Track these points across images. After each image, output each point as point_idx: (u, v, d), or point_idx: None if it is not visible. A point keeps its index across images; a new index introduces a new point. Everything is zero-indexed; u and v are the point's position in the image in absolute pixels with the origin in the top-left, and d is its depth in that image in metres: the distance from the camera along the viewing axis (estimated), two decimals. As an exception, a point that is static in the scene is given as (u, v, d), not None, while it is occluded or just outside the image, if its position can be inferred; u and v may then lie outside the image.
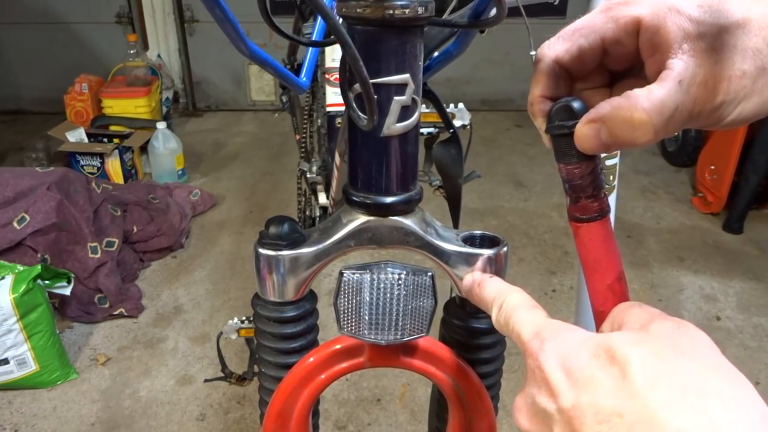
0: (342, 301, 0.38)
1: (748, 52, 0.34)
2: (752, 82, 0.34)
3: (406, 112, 0.38)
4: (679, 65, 0.34)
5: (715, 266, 2.42)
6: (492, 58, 4.08)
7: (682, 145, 3.30)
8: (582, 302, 1.11)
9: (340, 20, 0.47)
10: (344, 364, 0.41)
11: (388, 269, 0.38)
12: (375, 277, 0.38)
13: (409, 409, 1.73)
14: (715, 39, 0.33)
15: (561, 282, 2.29)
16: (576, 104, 0.38)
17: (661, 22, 0.34)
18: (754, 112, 0.35)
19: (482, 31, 0.45)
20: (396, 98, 0.37)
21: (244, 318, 1.21)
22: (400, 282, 0.38)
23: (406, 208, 0.40)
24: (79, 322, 2.02)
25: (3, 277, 1.65)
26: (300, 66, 1.37)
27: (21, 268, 1.70)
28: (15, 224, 1.90)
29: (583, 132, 0.36)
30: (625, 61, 0.39)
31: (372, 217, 0.40)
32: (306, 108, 1.69)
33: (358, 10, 0.35)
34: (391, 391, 1.78)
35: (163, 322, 2.05)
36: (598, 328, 0.40)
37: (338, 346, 0.41)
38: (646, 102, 0.33)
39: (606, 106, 0.35)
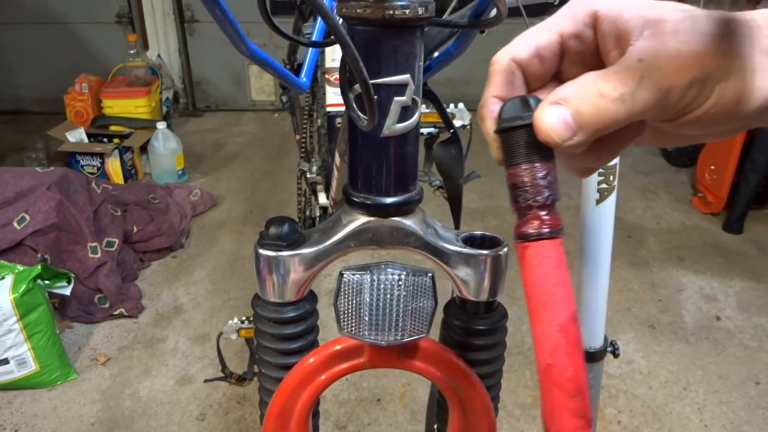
0: (342, 301, 0.38)
1: (717, 36, 0.32)
2: (728, 62, 0.32)
3: (406, 112, 0.38)
4: (639, 45, 0.32)
5: (715, 266, 2.42)
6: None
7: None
8: (582, 303, 1.11)
9: (340, 20, 0.47)
10: (344, 365, 0.41)
11: (388, 270, 0.38)
12: (375, 277, 0.38)
13: (409, 409, 1.72)
14: (677, 22, 0.32)
15: (561, 282, 2.29)
16: (532, 99, 0.34)
17: (618, 11, 0.33)
18: (736, 98, 0.32)
19: (482, 32, 0.45)
20: (396, 98, 0.37)
21: (244, 318, 1.21)
22: (400, 283, 0.38)
23: (406, 208, 0.40)
24: (79, 322, 2.02)
25: (3, 277, 1.65)
26: (300, 66, 1.37)
27: (21, 268, 1.70)
28: (15, 224, 1.90)
29: (546, 115, 0.32)
30: (585, 65, 0.36)
31: (372, 218, 0.40)
32: (306, 108, 1.69)
33: (358, 11, 0.35)
34: (391, 391, 1.78)
35: (163, 322, 2.05)
36: (543, 404, 0.33)
37: (338, 347, 0.40)
38: (610, 72, 0.32)
39: (566, 87, 0.33)
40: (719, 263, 2.44)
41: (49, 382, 1.74)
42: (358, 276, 0.38)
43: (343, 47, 0.33)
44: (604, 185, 1.06)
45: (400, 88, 0.37)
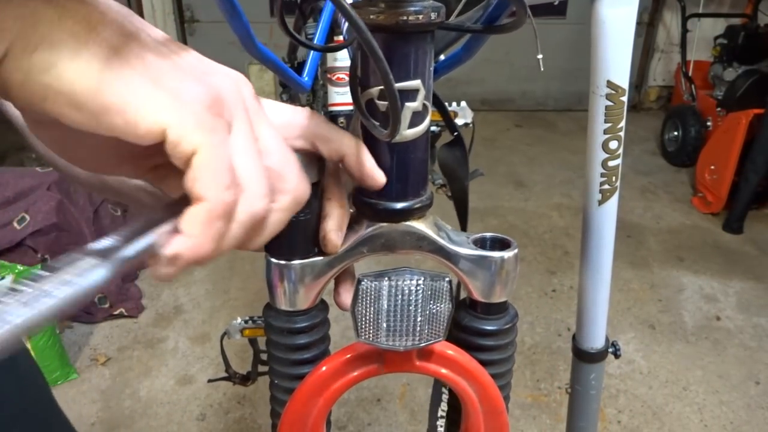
0: (360, 308, 0.38)
1: None
2: None
3: (417, 117, 0.38)
4: None
5: (715, 266, 2.43)
6: (492, 58, 4.08)
7: (682, 145, 3.31)
8: (583, 303, 1.10)
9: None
10: (359, 371, 0.41)
11: (406, 275, 0.38)
12: (393, 283, 0.38)
13: (409, 409, 1.73)
14: None
15: (561, 282, 2.30)
16: None
17: None
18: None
19: (486, 33, 0.44)
20: (407, 104, 0.37)
21: (247, 318, 1.21)
22: (418, 288, 0.38)
23: (418, 213, 0.40)
24: (79, 322, 2.02)
25: (3, 277, 1.64)
26: (300, 64, 1.37)
27: (21, 268, 1.69)
28: (15, 224, 1.90)
29: None
30: None
31: (384, 223, 0.40)
32: (306, 107, 1.68)
33: (372, 17, 0.34)
34: (391, 391, 1.78)
35: (163, 322, 2.05)
36: None
37: (353, 354, 0.40)
38: None
39: None
40: (719, 263, 2.45)
41: (49, 382, 1.74)
42: (376, 283, 0.38)
43: (376, 61, 0.32)
44: (606, 186, 1.06)
45: (412, 94, 0.37)
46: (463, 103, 1.47)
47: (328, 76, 1.43)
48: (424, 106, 0.38)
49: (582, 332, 1.14)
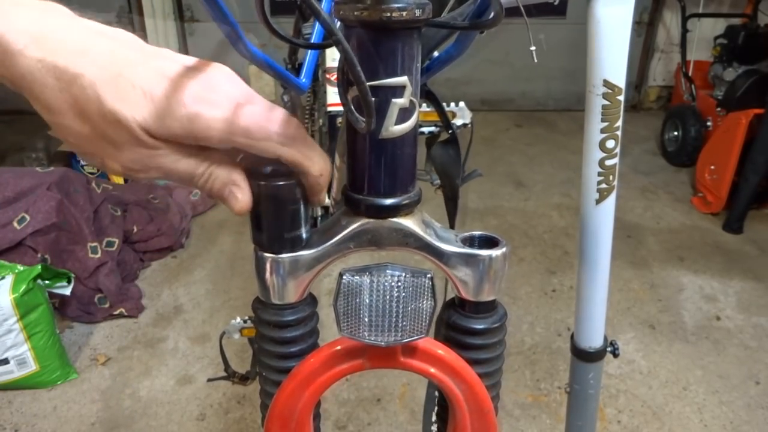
0: (341, 303, 0.38)
1: None
2: None
3: (404, 114, 0.38)
4: None
5: (715, 266, 2.42)
6: (492, 58, 4.08)
7: (682, 145, 3.31)
8: (582, 303, 1.10)
9: (338, 23, 0.46)
10: (344, 366, 0.41)
11: (388, 271, 0.38)
12: (374, 279, 0.38)
13: (409, 409, 1.72)
14: None
15: (561, 282, 2.29)
16: None
17: None
18: None
19: (481, 32, 0.45)
20: (394, 100, 0.37)
21: (246, 317, 1.21)
22: (399, 284, 0.38)
23: (405, 209, 0.40)
24: (79, 322, 2.02)
25: (3, 277, 1.65)
26: (301, 66, 1.37)
27: (21, 268, 1.70)
28: (15, 224, 1.90)
29: None
30: None
31: (371, 219, 0.40)
32: (307, 107, 1.69)
33: (356, 13, 0.35)
34: (391, 391, 1.78)
35: (163, 322, 2.05)
36: None
37: (338, 348, 0.41)
38: None
39: None
40: (719, 263, 2.44)
41: (49, 382, 1.75)
42: (357, 277, 0.38)
43: (341, 50, 0.33)
44: (603, 185, 1.06)
45: (398, 90, 0.37)
46: (462, 104, 1.47)
47: (327, 76, 1.44)
48: (412, 102, 0.39)
49: (580, 331, 1.14)
